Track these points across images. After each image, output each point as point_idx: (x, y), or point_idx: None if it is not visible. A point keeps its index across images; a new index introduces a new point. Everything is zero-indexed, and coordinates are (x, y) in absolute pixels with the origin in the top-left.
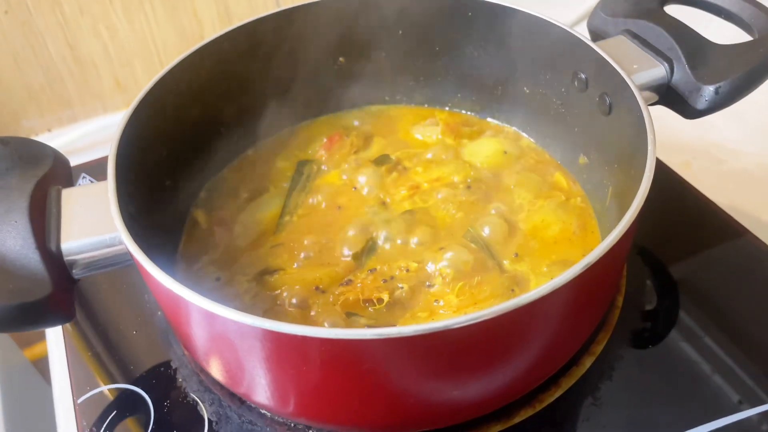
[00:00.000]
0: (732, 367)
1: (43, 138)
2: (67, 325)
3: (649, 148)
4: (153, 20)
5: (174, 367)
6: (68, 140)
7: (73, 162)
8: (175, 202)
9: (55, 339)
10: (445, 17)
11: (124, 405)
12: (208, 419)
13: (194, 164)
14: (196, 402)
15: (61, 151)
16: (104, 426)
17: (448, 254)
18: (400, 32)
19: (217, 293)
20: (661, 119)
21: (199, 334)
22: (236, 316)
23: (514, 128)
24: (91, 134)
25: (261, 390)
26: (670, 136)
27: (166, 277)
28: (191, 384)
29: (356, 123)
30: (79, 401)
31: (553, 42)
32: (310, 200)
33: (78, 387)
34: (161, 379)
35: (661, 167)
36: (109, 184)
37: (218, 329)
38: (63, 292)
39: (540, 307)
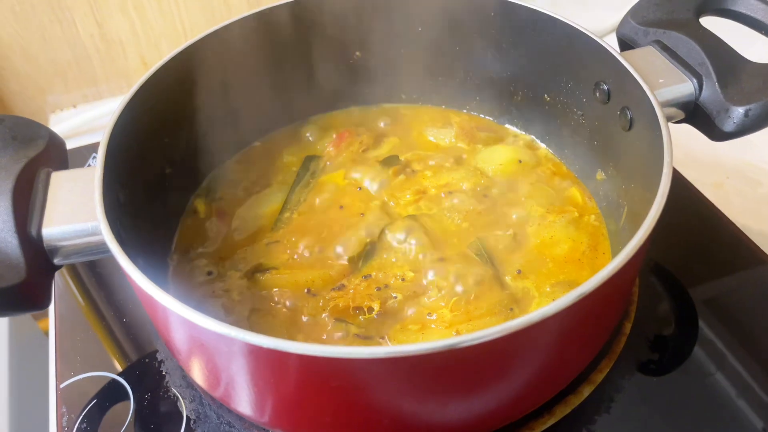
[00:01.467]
0: (752, 403)
1: (67, 113)
2: (59, 308)
3: (665, 171)
4: (182, 2)
5: (159, 359)
6: (92, 116)
7: (93, 140)
8: (175, 190)
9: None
10: (466, 16)
11: (106, 394)
12: (187, 416)
13: (198, 153)
14: (177, 397)
15: (84, 128)
16: (83, 414)
17: (447, 266)
18: (420, 29)
19: (206, 288)
20: (694, 135)
21: (172, 336)
22: (206, 323)
23: (532, 137)
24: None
25: (236, 397)
26: (703, 153)
27: (139, 274)
28: (174, 378)
29: (369, 120)
30: (62, 386)
31: (577, 48)
32: (313, 198)
33: (63, 372)
34: (145, 371)
35: (686, 187)
36: (97, 170)
37: (190, 334)
38: (38, 279)
39: (532, 334)
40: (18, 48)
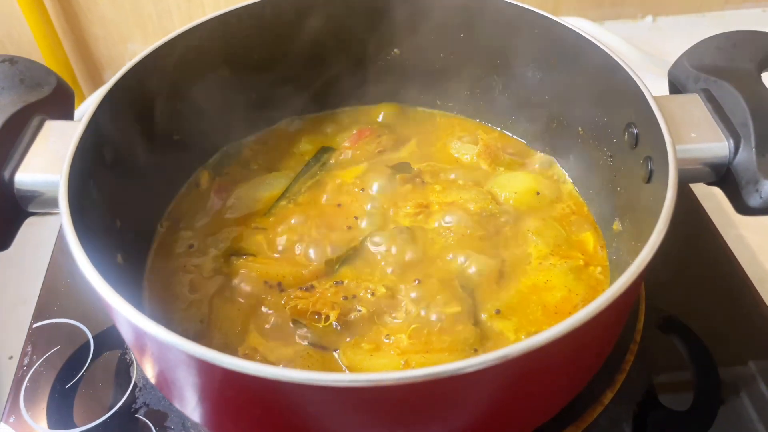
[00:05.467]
0: None
1: None
2: (55, 247)
3: (653, 237)
4: None
5: None
6: None
7: None
8: (182, 159)
9: None
10: (510, 30)
11: (70, 344)
12: (135, 383)
13: (213, 126)
14: (132, 363)
15: None
16: (44, 357)
17: (422, 289)
18: (462, 35)
19: (182, 260)
20: None
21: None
22: (117, 304)
23: (561, 169)
24: None
25: (165, 389)
26: None
27: (74, 239)
28: None
29: (396, 121)
30: (35, 325)
31: (615, 83)
32: (314, 191)
33: (39, 312)
34: (113, 330)
35: (724, 252)
36: (80, 125)
37: (112, 314)
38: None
39: (470, 381)
40: None
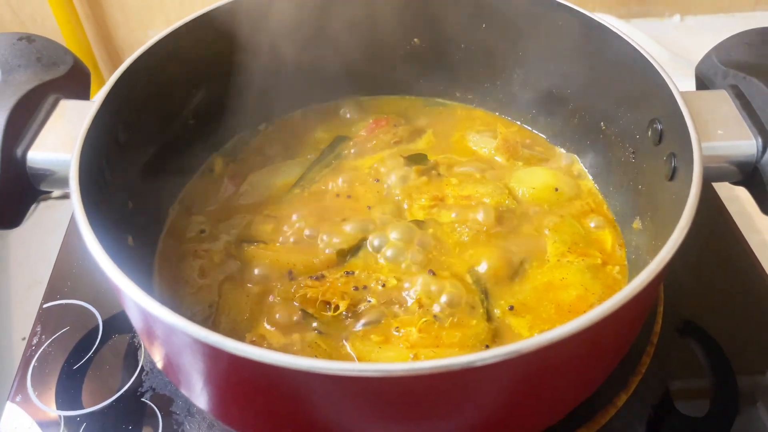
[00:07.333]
0: None
1: None
2: (69, 227)
3: (674, 235)
4: None
5: None
6: None
7: None
8: (197, 144)
9: None
10: (532, 21)
11: (79, 325)
12: (142, 366)
13: (228, 112)
14: (140, 347)
15: None
16: (53, 338)
17: (434, 282)
18: (484, 26)
19: (192, 245)
20: None
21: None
22: (124, 285)
23: (581, 165)
24: None
25: (171, 372)
26: None
27: (84, 220)
28: None
29: (414, 112)
30: (45, 306)
31: (641, 77)
32: (327, 180)
33: (50, 293)
34: (122, 313)
35: (747, 259)
36: (93, 105)
37: (121, 295)
38: (10, 198)
39: (476, 377)
40: None
